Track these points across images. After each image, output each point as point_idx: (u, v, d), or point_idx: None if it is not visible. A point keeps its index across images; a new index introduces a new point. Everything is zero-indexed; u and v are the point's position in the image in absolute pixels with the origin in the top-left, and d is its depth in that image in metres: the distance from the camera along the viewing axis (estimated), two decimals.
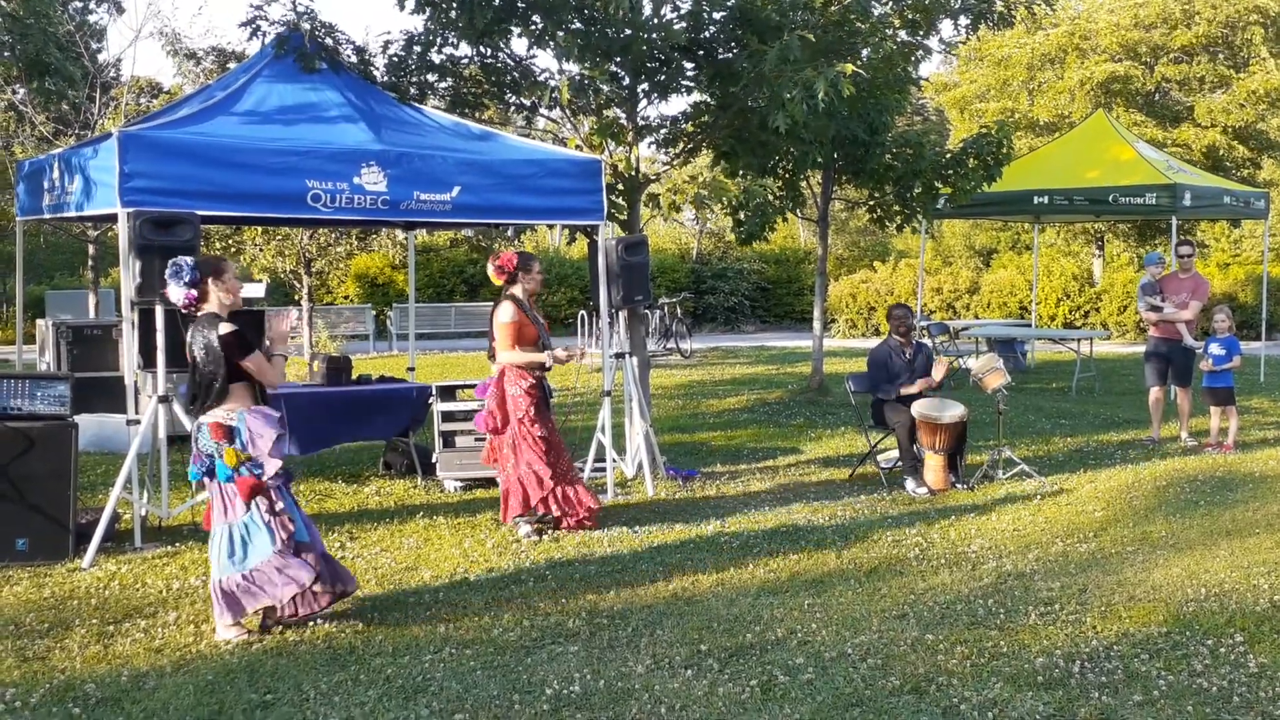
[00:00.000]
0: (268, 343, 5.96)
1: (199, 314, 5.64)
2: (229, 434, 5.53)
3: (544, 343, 7.51)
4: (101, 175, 7.29)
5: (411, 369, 10.77)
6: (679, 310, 21.82)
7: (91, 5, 22.07)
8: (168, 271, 5.62)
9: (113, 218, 7.28)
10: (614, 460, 8.98)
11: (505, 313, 7.37)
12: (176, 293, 5.60)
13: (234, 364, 5.52)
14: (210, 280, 5.62)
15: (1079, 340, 16.76)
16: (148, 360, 7.31)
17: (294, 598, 5.57)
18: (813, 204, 14.42)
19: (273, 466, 5.54)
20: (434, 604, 6.02)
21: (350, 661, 5.19)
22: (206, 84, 10.35)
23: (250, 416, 5.58)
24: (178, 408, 7.50)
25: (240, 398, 5.60)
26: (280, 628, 5.62)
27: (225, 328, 5.53)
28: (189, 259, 5.67)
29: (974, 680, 4.88)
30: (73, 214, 8.02)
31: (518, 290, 7.50)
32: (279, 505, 5.58)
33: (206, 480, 5.64)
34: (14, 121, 17.12)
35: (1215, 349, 10.34)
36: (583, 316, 19.37)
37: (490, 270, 7.54)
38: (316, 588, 5.65)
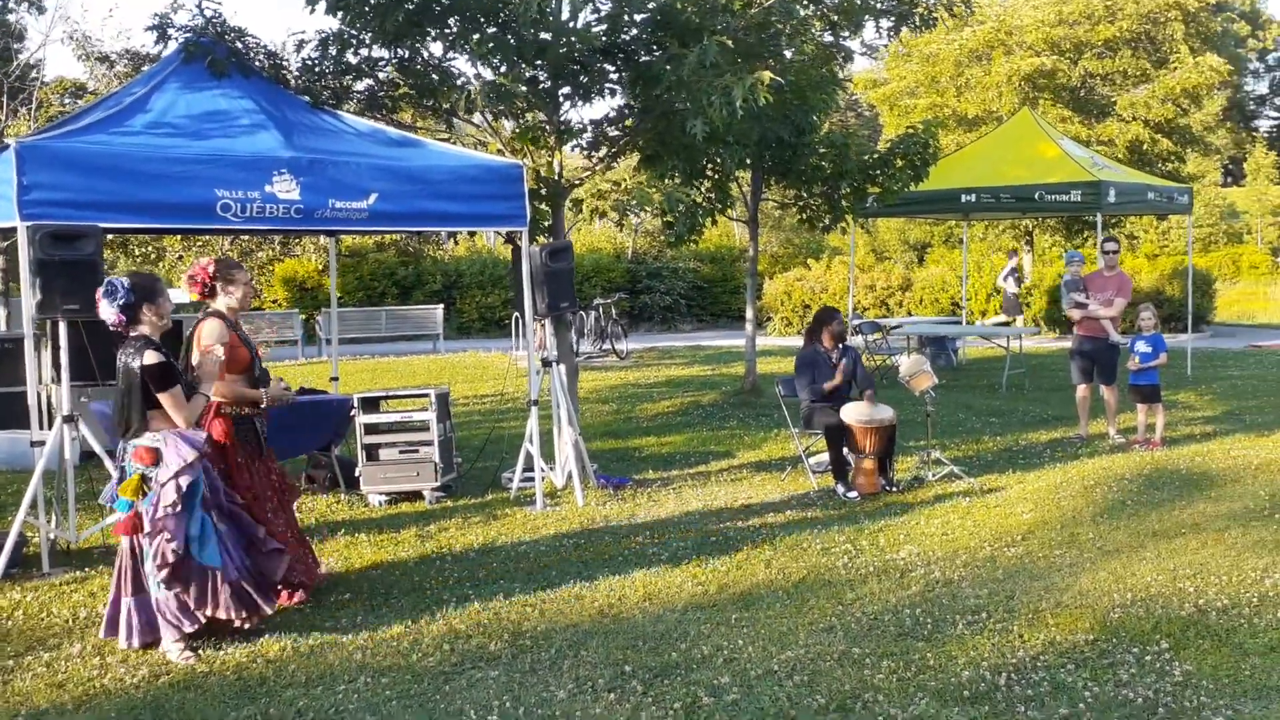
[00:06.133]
0: (193, 370, 5.78)
1: (130, 334, 5.53)
2: (155, 457, 5.45)
3: (258, 371, 6.35)
4: (0, 187, 7.00)
5: (335, 379, 10.52)
6: (614, 310, 21.69)
7: (11, 4, 21.46)
8: (101, 289, 5.49)
9: (13, 231, 7.00)
10: (543, 470, 8.83)
11: (211, 332, 6.01)
12: (107, 311, 5.50)
13: (150, 394, 5.43)
14: (144, 304, 5.52)
15: (1008, 337, 16.88)
16: (58, 375, 7.06)
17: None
18: (743, 205, 14.36)
19: (168, 495, 5.41)
20: (351, 628, 5.83)
21: (260, 694, 4.99)
22: (116, 89, 10.03)
23: (169, 440, 5.48)
24: (84, 428, 7.25)
25: (163, 420, 5.53)
26: (190, 656, 5.42)
27: (151, 357, 5.42)
28: (125, 280, 5.53)
29: (900, 696, 4.80)
30: None
31: (221, 304, 6.23)
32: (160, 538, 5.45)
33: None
34: None
35: (1141, 346, 10.41)
36: (517, 319, 19.18)
37: (184, 284, 6.35)
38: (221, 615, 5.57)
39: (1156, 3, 25.96)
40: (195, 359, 5.91)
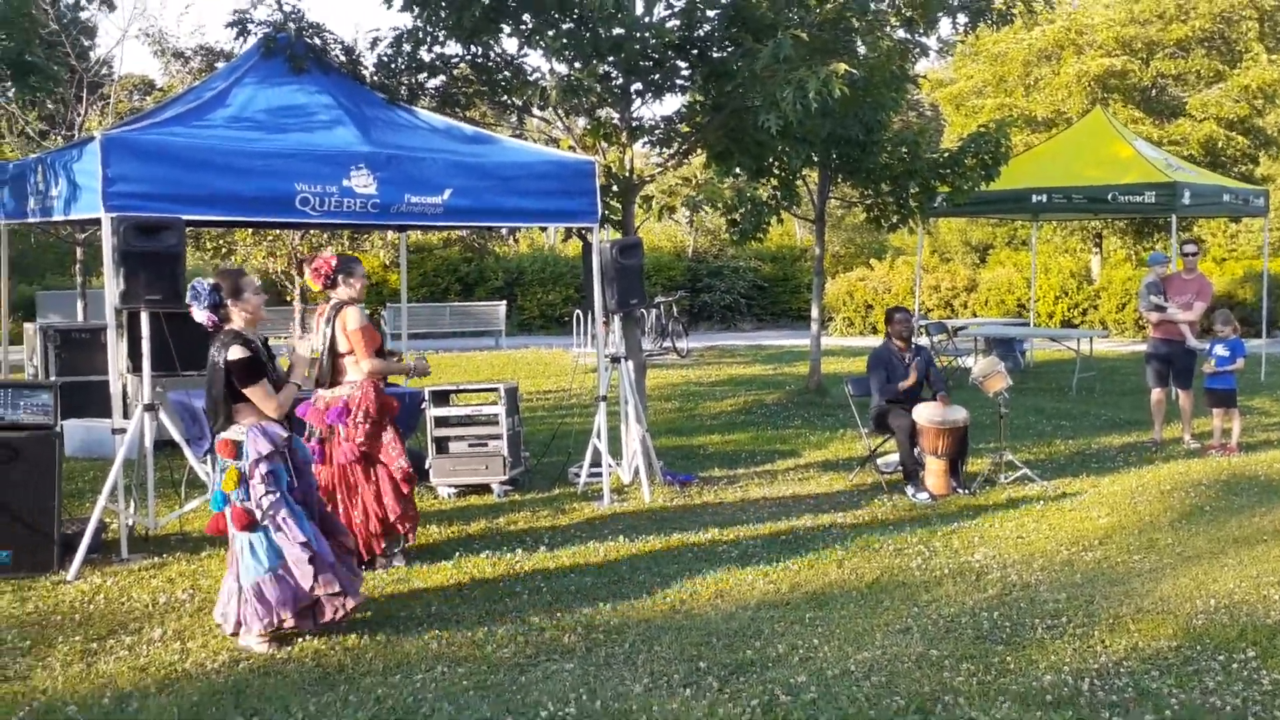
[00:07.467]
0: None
1: (222, 330, 5.59)
2: (236, 450, 5.50)
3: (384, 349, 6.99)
4: (85, 179, 7.13)
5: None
6: (675, 309, 21.67)
7: (83, 2, 21.87)
8: (188, 295, 5.62)
9: (98, 222, 7.12)
10: (610, 466, 8.84)
11: (355, 317, 6.63)
12: (200, 315, 5.58)
13: (234, 387, 5.47)
14: (230, 301, 5.59)
15: (1078, 339, 16.64)
16: (137, 365, 7.18)
17: (310, 607, 5.52)
18: (809, 203, 14.27)
19: (257, 489, 5.46)
20: (426, 619, 5.87)
21: (340, 681, 5.04)
22: (194, 84, 10.19)
23: (252, 432, 5.51)
24: (164, 416, 7.36)
25: (249, 414, 5.55)
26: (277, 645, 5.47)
27: (236, 351, 5.46)
28: (206, 282, 5.62)
29: (981, 699, 4.74)
30: (58, 218, 7.87)
31: (342, 294, 6.74)
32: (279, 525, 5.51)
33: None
34: (2, 121, 16.95)
35: (1220, 350, 10.21)
36: (578, 315, 19.22)
37: (308, 276, 6.84)
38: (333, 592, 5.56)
39: (1230, 1, 25.44)
40: (341, 345, 6.45)
